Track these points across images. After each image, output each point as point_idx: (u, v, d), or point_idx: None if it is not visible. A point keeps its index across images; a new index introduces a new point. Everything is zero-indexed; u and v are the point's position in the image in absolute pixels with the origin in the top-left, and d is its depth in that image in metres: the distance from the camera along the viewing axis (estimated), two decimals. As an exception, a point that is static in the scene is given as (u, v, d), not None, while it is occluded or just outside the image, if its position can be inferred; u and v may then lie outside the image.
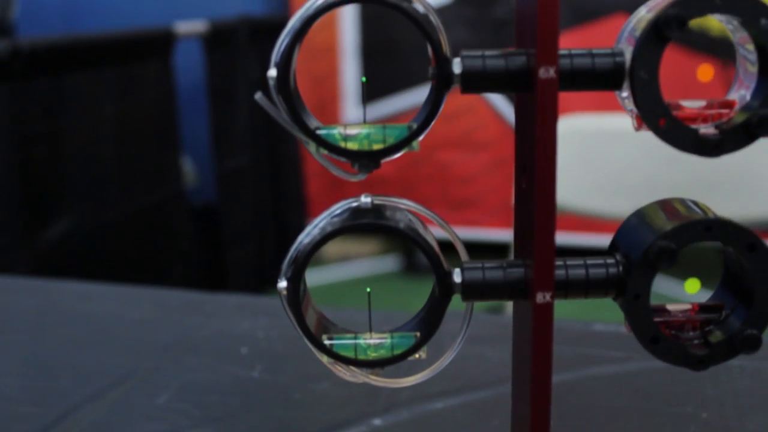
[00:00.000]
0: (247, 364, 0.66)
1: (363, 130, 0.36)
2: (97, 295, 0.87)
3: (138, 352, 0.68)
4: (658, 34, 0.35)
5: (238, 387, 0.62)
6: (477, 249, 2.55)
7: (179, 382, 0.62)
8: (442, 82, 0.36)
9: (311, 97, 2.80)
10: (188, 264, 2.30)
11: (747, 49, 0.37)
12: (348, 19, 2.70)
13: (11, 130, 1.75)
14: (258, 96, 0.35)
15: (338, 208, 0.38)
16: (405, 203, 0.39)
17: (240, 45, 2.47)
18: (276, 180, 2.65)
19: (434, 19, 0.37)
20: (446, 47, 0.37)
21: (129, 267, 2.09)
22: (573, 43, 2.54)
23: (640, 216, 0.39)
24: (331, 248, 2.85)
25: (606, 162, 1.55)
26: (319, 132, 0.36)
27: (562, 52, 0.36)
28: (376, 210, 0.38)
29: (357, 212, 0.38)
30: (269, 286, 2.63)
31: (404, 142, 0.36)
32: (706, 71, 0.46)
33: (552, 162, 0.36)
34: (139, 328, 0.76)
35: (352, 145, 0.36)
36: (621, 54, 0.37)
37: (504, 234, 2.38)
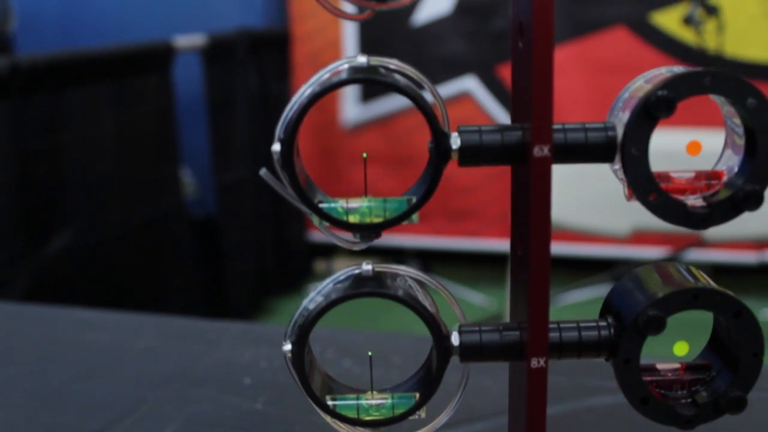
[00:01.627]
0: (250, 395, 0.66)
1: (364, 204, 0.38)
2: (102, 323, 0.88)
3: (142, 383, 0.69)
4: (647, 114, 0.36)
5: (241, 420, 0.63)
6: (476, 259, 2.56)
7: (184, 414, 0.63)
8: (441, 156, 0.38)
9: (316, 105, 2.80)
10: (188, 276, 2.31)
11: (734, 123, 0.39)
12: (349, 40, 2.72)
13: (11, 146, 1.76)
14: (263, 172, 0.37)
15: (342, 274, 0.40)
16: (404, 269, 0.40)
17: (239, 58, 2.48)
18: (276, 193, 2.66)
19: (432, 94, 0.39)
20: (444, 123, 0.38)
21: (129, 281, 2.10)
22: (573, 55, 2.57)
23: (633, 279, 0.41)
24: (341, 267, 2.87)
25: (603, 180, 1.57)
26: (321, 206, 0.37)
27: (555, 126, 0.38)
28: (377, 278, 0.39)
29: (359, 280, 0.39)
30: (269, 297, 2.65)
31: (404, 216, 0.38)
32: (694, 147, 0.47)
33: (546, 234, 0.37)
34: (143, 358, 0.77)
35: (353, 219, 0.37)
36: (613, 128, 0.38)
37: (503, 244, 2.39)
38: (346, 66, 0.38)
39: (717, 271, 2.45)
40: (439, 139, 0.37)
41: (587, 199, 1.54)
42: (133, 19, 2.79)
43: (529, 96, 0.37)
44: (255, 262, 2.56)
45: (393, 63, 0.38)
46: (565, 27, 2.54)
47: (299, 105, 0.37)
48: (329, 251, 2.90)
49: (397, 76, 0.38)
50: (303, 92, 0.38)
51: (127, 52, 2.16)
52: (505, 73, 2.66)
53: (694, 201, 0.38)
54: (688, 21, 2.42)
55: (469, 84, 2.69)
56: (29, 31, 2.77)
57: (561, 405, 0.63)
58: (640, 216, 1.52)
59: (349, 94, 2.80)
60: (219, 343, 0.79)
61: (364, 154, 0.40)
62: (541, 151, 0.36)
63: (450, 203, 2.73)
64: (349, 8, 0.38)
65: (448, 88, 2.69)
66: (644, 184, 0.37)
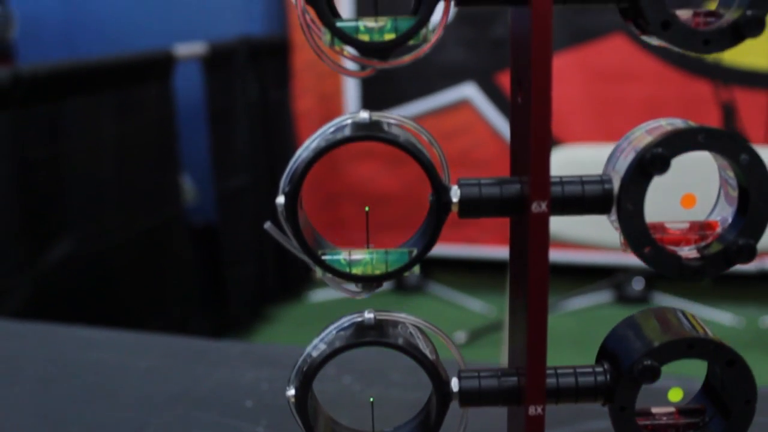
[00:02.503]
0: (252, 418, 0.67)
1: (366, 256, 0.39)
2: (104, 342, 0.88)
3: (145, 406, 0.70)
4: (642, 171, 0.37)
5: (243, 444, 0.64)
6: (476, 266, 2.56)
7: (186, 439, 0.64)
8: (441, 209, 0.39)
9: (318, 112, 2.84)
10: (188, 284, 2.32)
11: (728, 174, 0.39)
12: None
13: (12, 155, 1.76)
14: (267, 225, 0.38)
15: (345, 321, 0.41)
16: (403, 317, 0.41)
17: (239, 65, 2.49)
18: (276, 199, 2.67)
19: (433, 145, 0.40)
20: (444, 175, 0.39)
21: (130, 290, 2.10)
22: (570, 63, 2.57)
23: (630, 325, 0.42)
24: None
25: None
26: (325, 258, 0.38)
27: (553, 179, 0.39)
28: (379, 326, 0.40)
29: (361, 328, 0.40)
30: (268, 304, 2.66)
31: (405, 267, 0.38)
32: (689, 200, 0.48)
33: (544, 284, 0.38)
34: (145, 379, 0.77)
35: (356, 270, 0.38)
36: (609, 181, 0.39)
37: (503, 251, 2.39)
38: (349, 121, 0.38)
39: (717, 279, 2.46)
40: (440, 192, 0.38)
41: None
42: (135, 27, 2.79)
43: (528, 150, 0.38)
44: (255, 269, 2.57)
45: (394, 117, 0.39)
46: (563, 34, 2.55)
47: (304, 159, 0.38)
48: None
49: (398, 131, 0.39)
50: (308, 146, 0.39)
51: (128, 61, 2.16)
52: (504, 80, 2.67)
53: (688, 252, 0.39)
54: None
55: (468, 91, 2.70)
56: (30, 38, 2.78)
57: (560, 428, 0.63)
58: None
59: (352, 103, 2.81)
60: (220, 363, 0.80)
61: (366, 208, 0.40)
62: (539, 207, 0.37)
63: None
64: (351, 65, 0.39)
65: (447, 96, 2.70)
66: (639, 238, 0.38)
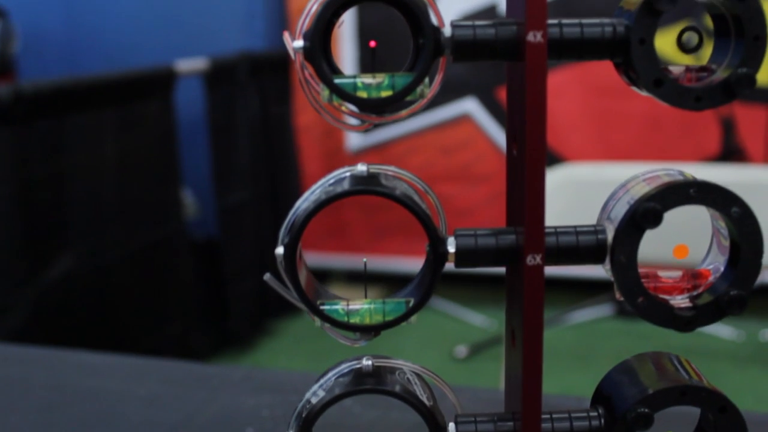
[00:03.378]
0: (253, 447, 0.68)
1: (364, 306, 0.39)
2: (106, 369, 0.89)
3: (146, 434, 0.71)
4: (635, 225, 0.38)
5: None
6: (477, 279, 2.54)
7: (188, 469, 0.65)
8: (438, 260, 0.39)
9: (319, 127, 2.85)
10: (190, 298, 2.32)
11: (720, 224, 0.40)
12: (349, 63, 2.74)
13: (13, 172, 1.77)
14: (266, 277, 0.38)
15: (345, 367, 0.41)
16: (401, 363, 0.42)
17: (240, 81, 2.50)
18: (277, 213, 2.68)
19: (430, 196, 0.40)
20: (441, 226, 0.40)
21: (131, 305, 2.11)
22: (570, 78, 2.56)
23: (625, 370, 0.42)
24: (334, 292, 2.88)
25: (600, 206, 1.58)
26: (323, 308, 0.39)
27: (548, 230, 0.40)
28: (377, 373, 0.41)
29: (359, 375, 0.41)
30: (269, 318, 2.66)
31: (402, 318, 0.39)
32: (681, 251, 0.48)
33: (538, 332, 0.39)
34: (146, 406, 0.78)
35: (354, 320, 0.39)
36: (603, 231, 0.40)
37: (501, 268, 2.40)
38: (348, 174, 0.39)
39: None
40: (436, 243, 0.39)
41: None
42: (136, 42, 2.80)
43: (523, 203, 0.38)
44: (256, 283, 2.57)
45: (391, 170, 0.40)
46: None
47: (304, 211, 0.39)
48: (325, 275, 2.92)
49: (396, 183, 0.39)
50: (307, 197, 0.39)
51: (130, 77, 2.17)
52: (505, 95, 2.68)
53: (680, 302, 0.40)
54: (684, 45, 2.44)
55: (469, 106, 2.71)
56: (32, 53, 2.79)
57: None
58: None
59: (352, 118, 2.82)
60: (221, 389, 0.81)
61: (365, 260, 0.41)
62: (533, 259, 0.38)
63: (450, 225, 2.74)
64: (350, 120, 0.39)
65: (448, 110, 2.71)
66: (632, 289, 0.39)
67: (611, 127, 2.62)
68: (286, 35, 0.38)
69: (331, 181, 0.39)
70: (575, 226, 0.40)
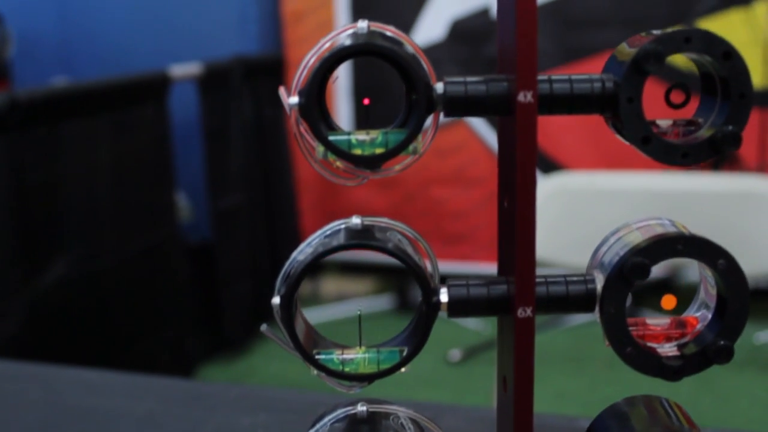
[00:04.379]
0: (248, 468, 0.69)
1: (359, 355, 0.40)
2: (103, 386, 0.89)
3: (143, 455, 0.71)
4: (623, 279, 0.38)
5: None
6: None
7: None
8: (431, 309, 0.40)
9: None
10: (184, 302, 2.33)
11: (708, 273, 0.41)
12: (343, 67, 2.74)
13: (8, 179, 1.77)
14: (263, 328, 0.39)
15: (340, 413, 0.42)
16: (394, 408, 0.43)
17: (234, 85, 2.50)
18: (271, 217, 2.69)
19: (423, 244, 0.41)
20: (435, 276, 0.41)
21: (125, 310, 2.11)
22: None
23: (616, 415, 0.43)
24: (328, 287, 2.89)
25: (596, 219, 1.59)
26: (318, 357, 0.40)
27: (539, 279, 0.40)
28: (372, 419, 0.42)
29: (354, 421, 0.41)
30: (264, 321, 2.66)
31: (396, 367, 0.40)
32: (669, 301, 0.49)
33: (530, 385, 0.40)
34: (143, 425, 0.78)
35: (348, 369, 0.40)
36: (593, 281, 0.41)
37: (495, 268, 2.41)
38: (342, 227, 0.40)
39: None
40: (429, 295, 0.40)
41: (577, 239, 1.57)
42: (131, 46, 2.80)
43: (513, 255, 0.39)
44: (250, 287, 2.58)
45: (383, 221, 0.41)
46: (555, 53, 2.57)
47: (300, 263, 0.39)
48: (319, 267, 2.92)
49: (389, 235, 0.40)
50: (303, 249, 0.40)
51: (124, 83, 2.18)
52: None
53: (668, 350, 0.41)
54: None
55: (463, 109, 2.72)
56: (27, 57, 2.80)
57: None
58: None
59: (346, 123, 2.83)
60: (217, 408, 0.81)
61: (359, 310, 0.42)
62: (524, 312, 0.39)
63: (443, 227, 2.76)
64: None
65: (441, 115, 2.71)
66: (621, 338, 0.39)
67: (606, 132, 2.62)
68: (282, 90, 0.39)
69: (328, 233, 0.40)
70: (565, 275, 0.41)
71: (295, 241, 2.81)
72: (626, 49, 0.39)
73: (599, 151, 2.62)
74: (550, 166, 2.61)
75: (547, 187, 1.56)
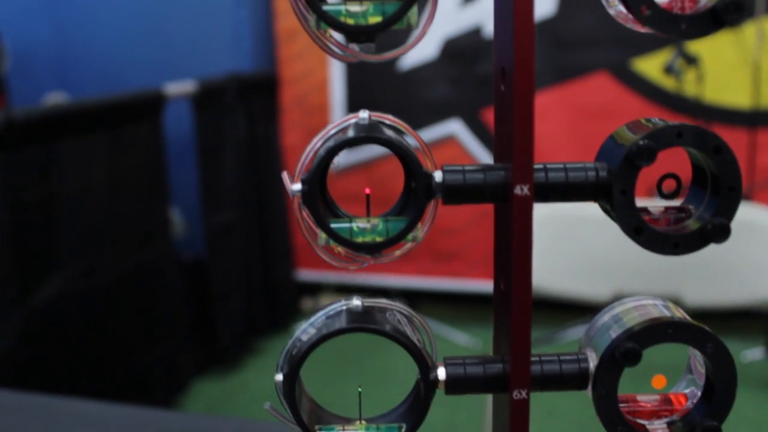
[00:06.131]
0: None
1: (359, 431, 0.41)
2: (102, 419, 0.90)
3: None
4: (615, 362, 0.40)
5: None
6: (462, 299, 2.55)
7: None
8: (428, 387, 0.41)
9: (306, 146, 2.86)
10: (178, 318, 2.33)
11: (696, 353, 0.42)
12: (336, 83, 2.76)
13: (4, 197, 1.78)
14: (267, 406, 0.40)
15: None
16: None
17: (228, 102, 2.51)
18: (264, 233, 2.70)
19: (422, 323, 0.42)
20: (433, 354, 0.42)
21: (120, 326, 2.12)
22: (555, 100, 2.58)
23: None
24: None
25: (586, 246, 1.61)
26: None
27: (533, 359, 0.42)
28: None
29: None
30: (257, 337, 2.68)
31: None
32: (659, 381, 0.51)
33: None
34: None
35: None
36: (585, 360, 0.42)
37: (488, 284, 2.43)
38: (344, 308, 0.41)
39: (698, 314, 2.49)
40: (427, 372, 0.41)
41: (569, 265, 1.58)
42: (126, 61, 2.81)
43: (509, 334, 0.40)
44: (243, 303, 2.59)
45: (383, 302, 0.42)
46: (548, 72, 2.59)
47: (304, 344, 0.40)
48: (315, 289, 2.94)
49: (389, 316, 0.41)
50: (306, 329, 0.41)
51: (119, 102, 2.18)
52: (490, 116, 2.70)
53: (657, 426, 0.42)
54: (669, 70, 2.47)
55: (454, 127, 2.73)
56: (22, 71, 2.80)
57: None
58: (621, 281, 1.56)
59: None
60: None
61: (359, 388, 0.43)
62: (519, 394, 0.40)
63: (436, 244, 2.77)
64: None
65: (433, 132, 2.73)
66: (612, 418, 0.41)
67: (596, 148, 2.64)
68: (285, 175, 0.40)
69: (330, 314, 0.41)
70: (559, 354, 0.42)
71: (288, 257, 2.82)
72: (626, 133, 0.40)
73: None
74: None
75: (538, 212, 1.58)
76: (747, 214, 1.57)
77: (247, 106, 2.60)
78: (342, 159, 0.38)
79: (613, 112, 2.61)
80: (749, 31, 2.48)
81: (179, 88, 2.33)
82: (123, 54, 2.83)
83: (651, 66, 2.58)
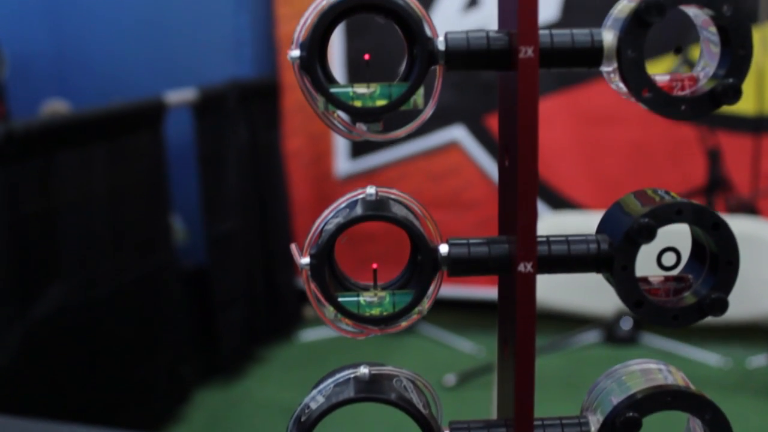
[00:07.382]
0: None
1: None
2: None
3: None
4: (614, 429, 0.41)
5: None
6: (466, 306, 2.55)
7: None
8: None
9: (309, 151, 2.88)
10: (180, 327, 2.34)
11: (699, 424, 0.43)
12: (338, 72, 2.76)
13: (4, 209, 1.78)
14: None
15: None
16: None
17: (229, 109, 2.51)
18: (266, 241, 2.70)
19: (423, 384, 0.43)
20: (435, 420, 0.43)
21: (121, 336, 2.12)
22: (559, 106, 2.58)
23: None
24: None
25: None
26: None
27: (536, 423, 0.43)
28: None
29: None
30: (259, 345, 2.68)
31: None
32: None
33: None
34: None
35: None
36: (587, 424, 0.43)
37: (492, 291, 2.43)
38: (352, 377, 0.42)
39: (702, 327, 2.49)
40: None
41: (572, 278, 1.59)
42: (125, 67, 2.81)
43: (515, 214, 0.40)
44: (245, 311, 2.59)
45: (389, 369, 0.43)
46: (551, 78, 2.59)
47: (311, 415, 0.41)
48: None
49: (395, 383, 0.42)
50: (313, 396, 0.42)
51: (120, 111, 2.18)
52: (493, 122, 2.71)
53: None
54: (672, 78, 2.47)
55: (458, 133, 2.74)
56: (21, 78, 2.80)
57: None
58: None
59: (341, 151, 2.86)
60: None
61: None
62: (525, 267, 0.40)
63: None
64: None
65: (436, 138, 2.74)
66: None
67: (599, 154, 2.66)
68: (294, 248, 0.41)
69: (339, 381, 0.42)
70: (561, 418, 0.43)
71: (291, 265, 2.83)
72: (632, 202, 0.41)
73: (592, 175, 2.65)
74: (543, 189, 2.63)
75: (540, 226, 1.58)
76: (752, 228, 1.58)
77: (248, 112, 2.60)
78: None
79: (616, 117, 2.62)
80: (754, 37, 2.48)
81: (180, 96, 2.33)
82: (122, 60, 2.84)
83: (655, 72, 2.58)
